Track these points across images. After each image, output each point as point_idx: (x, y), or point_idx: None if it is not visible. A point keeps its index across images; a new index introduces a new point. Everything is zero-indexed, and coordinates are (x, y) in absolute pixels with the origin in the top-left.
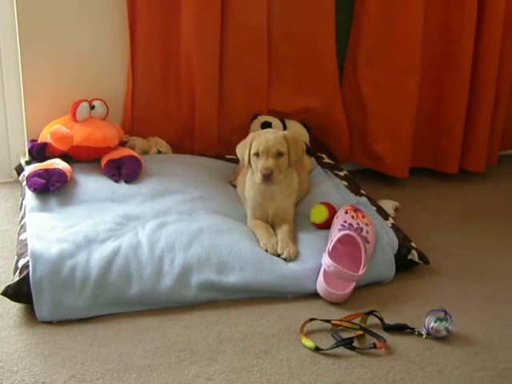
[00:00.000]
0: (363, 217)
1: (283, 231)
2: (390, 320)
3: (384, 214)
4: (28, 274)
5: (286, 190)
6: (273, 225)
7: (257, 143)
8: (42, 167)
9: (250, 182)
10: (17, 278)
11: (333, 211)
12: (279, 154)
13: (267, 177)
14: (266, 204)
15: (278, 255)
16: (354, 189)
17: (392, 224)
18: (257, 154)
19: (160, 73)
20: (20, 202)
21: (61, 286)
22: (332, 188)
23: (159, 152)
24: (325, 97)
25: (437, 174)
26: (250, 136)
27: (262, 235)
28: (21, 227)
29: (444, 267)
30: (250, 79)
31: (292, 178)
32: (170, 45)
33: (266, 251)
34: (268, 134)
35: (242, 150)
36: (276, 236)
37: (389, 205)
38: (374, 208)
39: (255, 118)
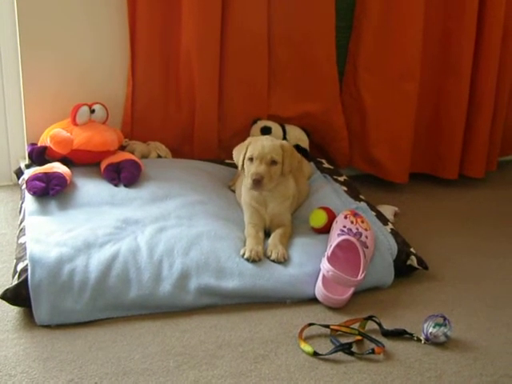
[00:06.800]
0: (362, 222)
1: (275, 234)
2: (388, 325)
3: (383, 220)
4: (27, 277)
5: (280, 197)
6: (270, 231)
7: (252, 148)
8: (42, 171)
9: (245, 187)
10: (15, 282)
11: (332, 216)
12: (273, 162)
13: (257, 182)
14: (261, 210)
15: (270, 258)
16: (354, 194)
17: (391, 229)
18: (251, 159)
19: (160, 77)
20: (19, 205)
21: (59, 290)
22: (331, 193)
23: (159, 156)
24: (325, 102)
25: (436, 180)
26: (248, 140)
27: (249, 243)
28: (20, 231)
29: (443, 273)
30: (250, 84)
31: (287, 185)
32: (170, 49)
33: (243, 256)
34: (266, 140)
35: (237, 153)
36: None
37: (388, 210)
38: (374, 213)
39: (255, 122)
